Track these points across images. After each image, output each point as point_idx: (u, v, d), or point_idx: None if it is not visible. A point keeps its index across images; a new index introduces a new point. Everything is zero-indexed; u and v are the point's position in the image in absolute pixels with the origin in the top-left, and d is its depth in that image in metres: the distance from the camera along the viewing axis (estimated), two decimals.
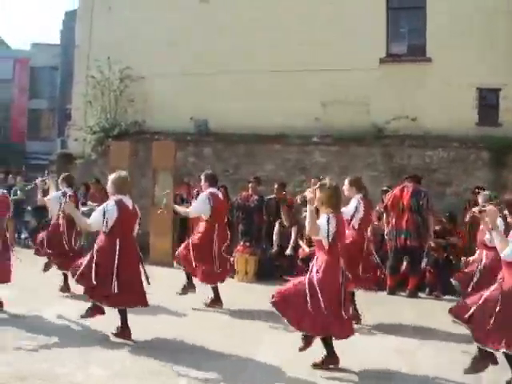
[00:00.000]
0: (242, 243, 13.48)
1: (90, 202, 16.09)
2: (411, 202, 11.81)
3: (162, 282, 10.45)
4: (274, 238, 13.52)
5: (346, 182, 9.59)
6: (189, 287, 10.15)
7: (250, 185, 14.64)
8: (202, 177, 10.32)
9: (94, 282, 7.47)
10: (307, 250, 12.78)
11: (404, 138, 15.41)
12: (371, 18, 16.10)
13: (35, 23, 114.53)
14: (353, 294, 8.96)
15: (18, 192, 19.43)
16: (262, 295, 11.01)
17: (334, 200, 6.92)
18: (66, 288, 10.77)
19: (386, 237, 12.14)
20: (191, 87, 17.21)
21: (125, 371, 6.49)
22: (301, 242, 13.01)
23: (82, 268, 7.66)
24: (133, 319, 7.75)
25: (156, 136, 16.80)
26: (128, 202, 7.88)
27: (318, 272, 6.70)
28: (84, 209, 14.96)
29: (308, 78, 16.19)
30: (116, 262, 7.43)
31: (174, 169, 15.16)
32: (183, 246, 10.27)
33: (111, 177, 7.97)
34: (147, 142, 16.62)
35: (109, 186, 7.97)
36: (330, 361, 6.73)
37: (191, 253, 9.84)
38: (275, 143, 16.33)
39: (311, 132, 15.94)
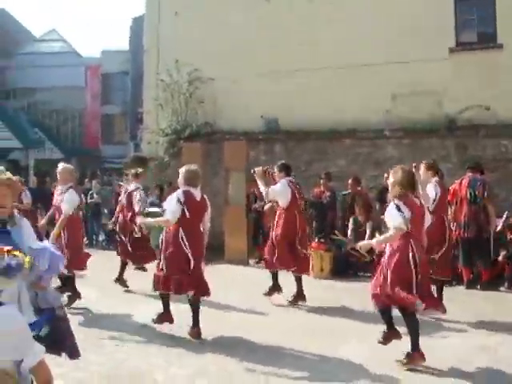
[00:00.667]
0: (316, 240, 13.44)
1: (164, 203, 16.29)
2: (468, 193, 11.56)
3: (237, 280, 10.56)
4: (349, 233, 13.45)
5: (422, 166, 9.39)
6: (274, 289, 10.16)
7: (321, 181, 14.61)
8: (276, 168, 10.38)
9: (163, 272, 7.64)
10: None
11: (478, 128, 15.07)
12: (439, 8, 15.82)
13: (104, 31, 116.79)
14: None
15: (95, 195, 19.87)
16: (339, 292, 11.04)
17: (406, 182, 6.84)
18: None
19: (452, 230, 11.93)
20: (260, 86, 17.25)
21: (204, 370, 6.56)
22: (377, 236, 12.90)
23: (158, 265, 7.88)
24: (212, 316, 7.83)
25: (227, 136, 16.91)
26: (196, 193, 8.03)
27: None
28: (158, 209, 15.19)
29: (377, 71, 16.03)
30: (185, 250, 7.60)
31: (246, 167, 15.24)
32: (266, 250, 10.29)
33: (182, 169, 8.21)
34: (218, 142, 16.77)
35: (179, 179, 8.11)
36: (414, 358, 6.58)
37: (275, 247, 9.90)
38: (346, 138, 16.25)
39: (382, 126, 15.79)
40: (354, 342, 7.67)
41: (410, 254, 6.51)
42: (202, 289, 7.76)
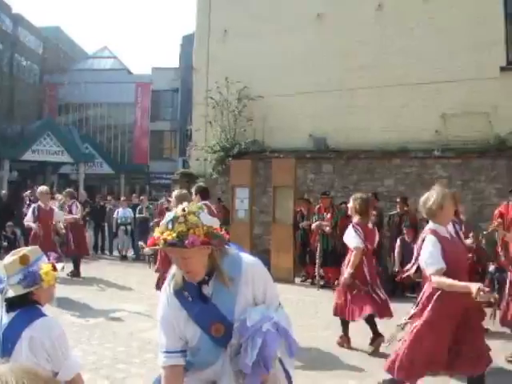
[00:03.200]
0: None
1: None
2: None
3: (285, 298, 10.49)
4: (396, 254, 13.31)
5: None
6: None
7: None
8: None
9: None
10: None
11: None
12: (489, 27, 15.66)
13: (155, 49, 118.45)
14: None
15: (143, 210, 20.09)
16: None
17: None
18: None
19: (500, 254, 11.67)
20: (309, 104, 17.28)
21: None
22: None
23: None
24: None
25: (275, 154, 16.93)
26: None
27: None
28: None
29: (427, 90, 15.93)
30: None
31: (294, 186, 15.25)
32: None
33: (174, 193, 8.59)
34: (267, 159, 16.81)
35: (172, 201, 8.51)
36: None
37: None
38: (395, 158, 16.14)
39: (432, 145, 15.65)
40: None
41: None
42: None
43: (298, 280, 14.41)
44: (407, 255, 12.98)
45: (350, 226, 8.57)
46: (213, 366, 3.28)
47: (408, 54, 16.26)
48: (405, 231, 13.33)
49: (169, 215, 3.13)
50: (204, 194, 9.67)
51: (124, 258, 19.75)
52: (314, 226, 13.43)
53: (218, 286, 3.25)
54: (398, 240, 13.30)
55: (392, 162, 16.18)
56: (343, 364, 7.53)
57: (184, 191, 8.67)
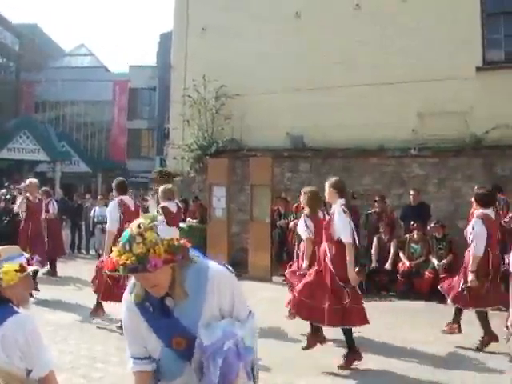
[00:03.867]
0: None
1: (189, 219, 16.41)
2: None
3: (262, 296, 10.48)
4: (373, 252, 13.38)
5: None
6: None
7: None
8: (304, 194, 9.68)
9: None
10: (407, 263, 12.65)
11: (504, 147, 14.94)
12: (466, 27, 15.76)
13: (132, 47, 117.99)
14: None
15: None
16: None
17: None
18: None
19: None
20: (286, 103, 17.28)
21: None
22: (401, 256, 12.86)
23: None
24: None
25: (253, 152, 16.91)
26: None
27: None
28: (183, 225, 15.26)
29: (404, 90, 15.99)
30: None
31: (272, 184, 15.26)
32: None
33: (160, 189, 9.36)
34: (244, 158, 16.80)
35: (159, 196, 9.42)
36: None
37: None
38: (372, 156, 16.19)
39: (408, 144, 15.72)
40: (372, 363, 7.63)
41: None
42: None
43: (275, 278, 14.40)
44: (384, 253, 13.13)
45: (301, 218, 9.20)
46: (180, 378, 3.15)
47: (385, 52, 16.31)
48: (382, 229, 13.41)
49: (124, 234, 2.93)
50: (121, 188, 9.66)
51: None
52: (291, 224, 13.46)
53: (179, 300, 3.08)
54: (375, 238, 13.38)
55: (369, 160, 16.22)
56: (320, 362, 7.54)
57: (170, 186, 8.76)
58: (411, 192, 13.91)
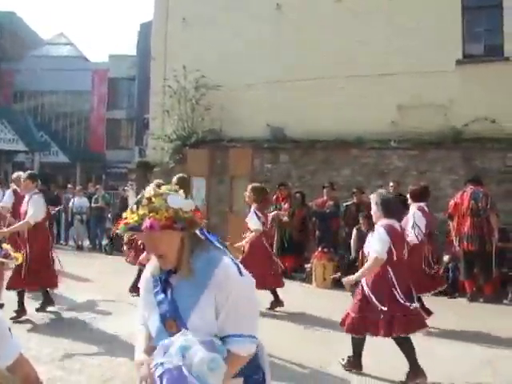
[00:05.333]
0: (319, 249, 13.45)
1: None
2: (470, 205, 11.62)
3: None
4: (352, 243, 13.42)
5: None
6: (276, 303, 10.23)
7: (324, 190, 14.64)
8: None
9: None
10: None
11: (484, 140, 15.02)
12: (446, 20, 15.79)
13: (112, 36, 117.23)
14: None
15: (99, 200, 19.94)
16: (339, 301, 11.01)
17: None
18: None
19: (454, 243, 11.97)
20: (267, 94, 17.28)
21: None
22: None
23: None
24: None
25: (233, 143, 16.90)
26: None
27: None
28: None
29: (384, 82, 16.03)
30: None
31: (251, 175, 15.25)
32: None
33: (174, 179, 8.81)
34: (224, 149, 16.79)
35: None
36: (414, 375, 6.42)
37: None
38: (352, 148, 16.22)
39: (388, 136, 15.76)
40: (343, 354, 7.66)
41: None
42: None
43: None
44: (363, 244, 13.17)
45: (252, 211, 10.10)
46: None
47: (366, 45, 16.31)
48: (361, 221, 13.44)
49: (138, 197, 3.03)
50: (33, 179, 9.64)
51: (80, 247, 19.59)
52: (271, 215, 13.47)
53: (183, 279, 3.04)
54: (355, 229, 13.41)
55: (349, 152, 16.25)
56: (294, 353, 7.56)
57: (183, 175, 8.78)
58: (390, 184, 13.95)
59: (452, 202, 12.07)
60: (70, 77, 43.43)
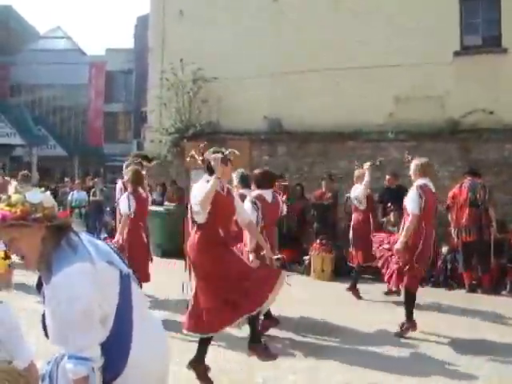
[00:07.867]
0: (318, 241, 13.45)
1: (166, 203, 16.39)
2: (468, 197, 11.64)
3: None
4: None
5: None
6: None
7: (322, 182, 14.62)
8: None
9: None
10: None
11: (481, 131, 15.03)
12: (444, 11, 15.77)
13: (109, 29, 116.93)
14: None
15: (97, 193, 19.94)
16: (338, 293, 11.05)
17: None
18: None
19: (453, 235, 12.01)
20: (264, 86, 17.26)
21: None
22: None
23: None
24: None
25: (230, 135, 16.88)
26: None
27: None
28: (160, 209, 15.25)
29: (381, 74, 16.01)
30: None
31: (249, 168, 15.24)
32: None
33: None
34: (222, 141, 16.73)
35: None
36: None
37: None
38: (349, 140, 16.21)
39: (386, 128, 15.76)
40: (351, 344, 7.68)
41: None
42: None
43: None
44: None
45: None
46: None
47: (362, 37, 16.28)
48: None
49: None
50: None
51: None
52: None
53: (47, 285, 2.88)
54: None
55: (346, 144, 16.25)
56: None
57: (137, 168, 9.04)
58: (387, 176, 13.94)
59: (450, 194, 12.10)
60: (67, 70, 43.30)
